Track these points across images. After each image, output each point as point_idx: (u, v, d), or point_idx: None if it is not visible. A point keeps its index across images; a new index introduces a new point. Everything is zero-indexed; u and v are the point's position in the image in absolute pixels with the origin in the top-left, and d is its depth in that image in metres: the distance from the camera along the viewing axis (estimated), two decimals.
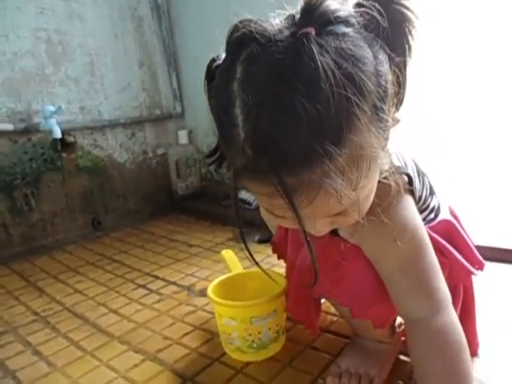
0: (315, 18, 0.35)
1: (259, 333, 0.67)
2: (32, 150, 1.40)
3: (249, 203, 1.53)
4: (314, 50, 0.33)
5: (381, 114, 0.37)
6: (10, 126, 1.32)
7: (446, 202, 0.63)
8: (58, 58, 1.44)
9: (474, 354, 0.64)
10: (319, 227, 0.43)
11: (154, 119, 1.76)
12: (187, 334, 0.81)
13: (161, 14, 1.70)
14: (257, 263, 0.51)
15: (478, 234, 0.67)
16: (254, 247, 1.21)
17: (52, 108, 1.34)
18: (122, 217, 1.67)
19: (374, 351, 0.63)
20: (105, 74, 1.58)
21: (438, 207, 0.60)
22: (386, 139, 0.40)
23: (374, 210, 0.45)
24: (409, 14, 0.39)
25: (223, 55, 0.42)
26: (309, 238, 0.41)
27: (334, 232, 0.56)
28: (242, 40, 0.38)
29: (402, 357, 0.66)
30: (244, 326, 0.67)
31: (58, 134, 1.34)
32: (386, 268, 0.53)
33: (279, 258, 0.77)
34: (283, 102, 0.34)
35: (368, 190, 0.42)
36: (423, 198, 0.58)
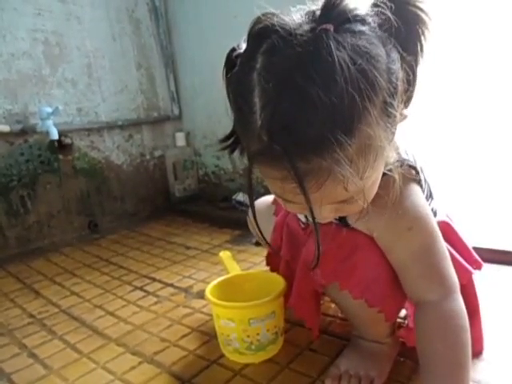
0: (334, 16, 0.38)
1: (257, 334, 0.67)
2: (28, 152, 1.40)
3: (247, 205, 1.53)
4: (332, 45, 0.36)
5: (390, 109, 0.39)
6: (6, 128, 1.31)
7: (443, 207, 0.64)
8: (55, 59, 1.44)
9: (479, 353, 0.64)
10: (325, 213, 0.45)
11: (152, 121, 1.76)
12: (185, 336, 0.80)
13: (158, 16, 1.71)
14: None
15: (477, 236, 0.67)
16: (252, 249, 1.20)
17: (49, 109, 1.33)
18: (118, 219, 1.66)
19: (374, 352, 0.63)
20: (102, 75, 1.57)
21: (436, 211, 0.62)
22: (393, 133, 0.43)
23: (384, 201, 0.48)
24: (423, 15, 0.42)
25: (243, 45, 0.44)
26: (316, 221, 0.44)
27: (345, 223, 0.57)
28: (264, 32, 0.40)
29: (400, 358, 0.65)
30: (242, 328, 0.66)
31: (54, 136, 1.33)
32: (398, 256, 0.54)
33: (272, 270, 0.78)
34: (300, 92, 0.36)
35: (373, 181, 0.44)
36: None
